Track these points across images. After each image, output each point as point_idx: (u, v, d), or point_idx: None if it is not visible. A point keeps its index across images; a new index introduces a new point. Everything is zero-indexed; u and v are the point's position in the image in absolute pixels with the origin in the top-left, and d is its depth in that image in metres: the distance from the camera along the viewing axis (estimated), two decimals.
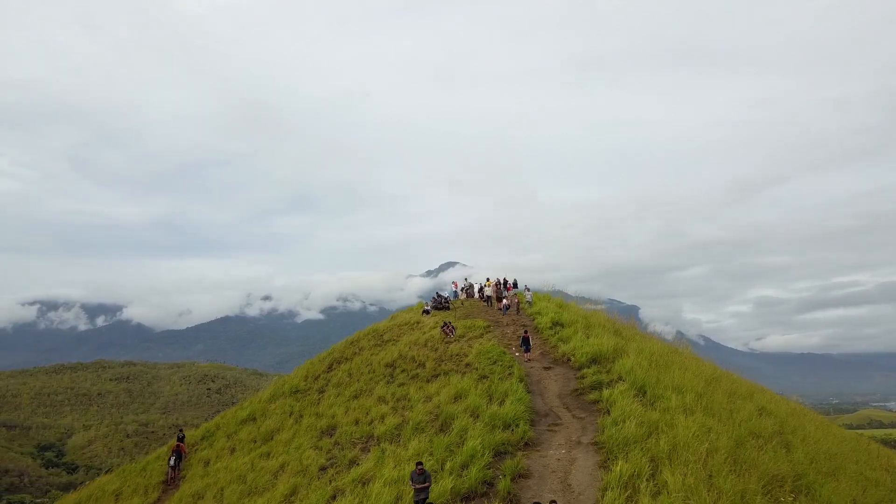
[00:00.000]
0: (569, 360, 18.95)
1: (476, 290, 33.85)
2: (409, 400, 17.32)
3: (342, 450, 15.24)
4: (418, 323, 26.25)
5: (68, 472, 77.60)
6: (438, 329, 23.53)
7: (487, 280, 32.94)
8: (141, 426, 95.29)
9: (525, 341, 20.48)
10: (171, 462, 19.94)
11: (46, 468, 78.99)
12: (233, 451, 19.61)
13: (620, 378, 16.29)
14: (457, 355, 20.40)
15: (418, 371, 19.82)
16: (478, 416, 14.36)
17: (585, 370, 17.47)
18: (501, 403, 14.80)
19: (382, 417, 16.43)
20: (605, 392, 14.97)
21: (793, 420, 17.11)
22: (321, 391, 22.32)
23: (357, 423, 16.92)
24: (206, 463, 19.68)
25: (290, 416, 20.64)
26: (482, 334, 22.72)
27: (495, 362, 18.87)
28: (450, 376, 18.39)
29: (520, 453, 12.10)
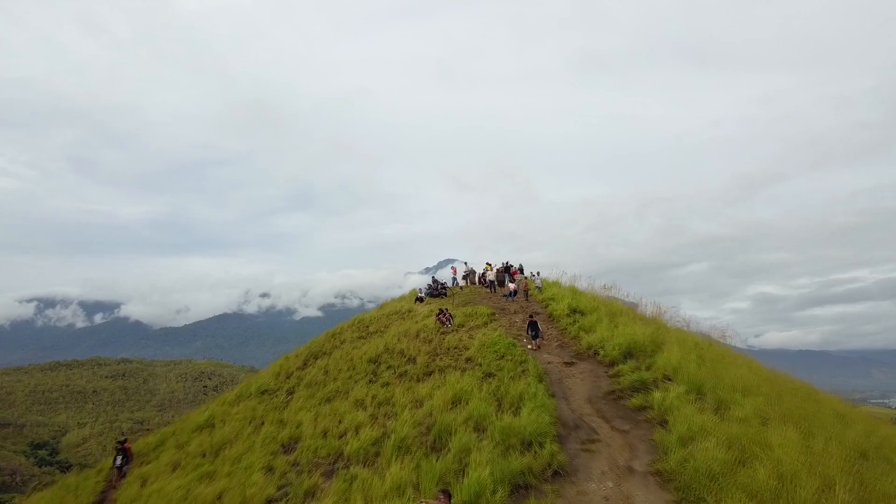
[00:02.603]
0: (596, 353, 15.06)
1: (478, 276, 29.98)
2: (393, 405, 13.43)
3: (300, 473, 11.33)
4: (410, 312, 22.36)
5: (61, 471, 76.29)
6: (433, 318, 19.66)
7: (487, 264, 29.03)
8: (136, 424, 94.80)
9: (533, 326, 16.68)
10: (117, 462, 17.38)
11: (39, 466, 76.78)
12: (175, 468, 15.70)
13: (666, 376, 12.49)
14: (455, 348, 16.52)
15: (407, 367, 15.93)
16: (484, 430, 10.48)
17: (620, 366, 13.60)
18: (516, 412, 10.90)
19: (357, 429, 12.53)
20: (655, 395, 11.10)
21: (867, 425, 13.26)
22: (291, 392, 18.43)
23: (325, 434, 13.03)
24: (144, 482, 15.78)
25: (250, 422, 16.75)
26: (486, 323, 18.82)
27: (503, 356, 14.98)
28: (446, 374, 14.52)
29: (548, 487, 8.20)
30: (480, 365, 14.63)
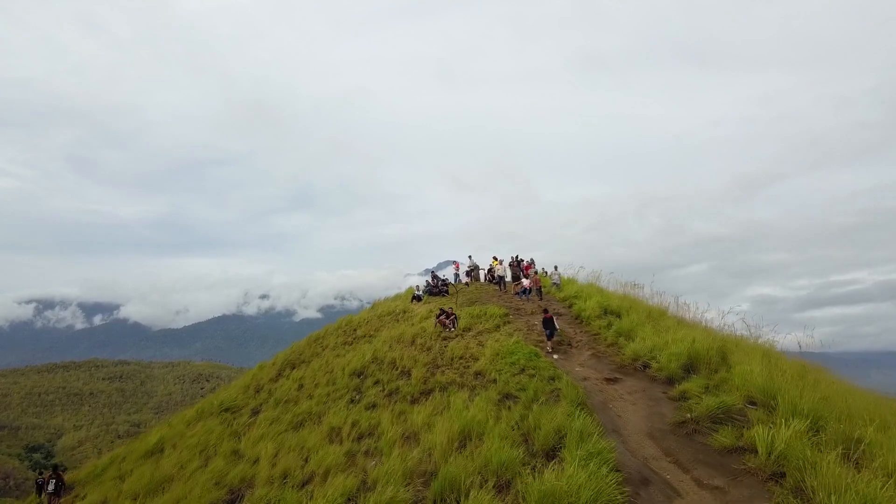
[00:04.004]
0: (645, 366, 11.54)
1: (483, 273, 26.45)
2: (378, 438, 9.90)
3: None
4: (405, 312, 18.84)
5: None
6: (432, 320, 16.14)
7: (494, 259, 25.53)
8: (132, 426, 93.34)
9: (547, 323, 13.37)
10: (50, 489, 15.72)
11: (34, 470, 76.13)
12: None
13: (750, 400, 9.08)
14: (460, 358, 12.99)
15: (399, 383, 12.40)
16: (508, 487, 6.95)
17: (683, 385, 10.09)
18: (553, 455, 7.37)
19: (326, 474, 8.98)
20: (757, 433, 7.58)
21: None
22: (256, 411, 14.91)
23: (285, 478, 9.49)
24: None
25: (201, 452, 13.21)
26: (498, 326, 15.29)
27: (523, 370, 11.47)
28: (449, 393, 11.02)
29: None
30: (495, 382, 11.10)
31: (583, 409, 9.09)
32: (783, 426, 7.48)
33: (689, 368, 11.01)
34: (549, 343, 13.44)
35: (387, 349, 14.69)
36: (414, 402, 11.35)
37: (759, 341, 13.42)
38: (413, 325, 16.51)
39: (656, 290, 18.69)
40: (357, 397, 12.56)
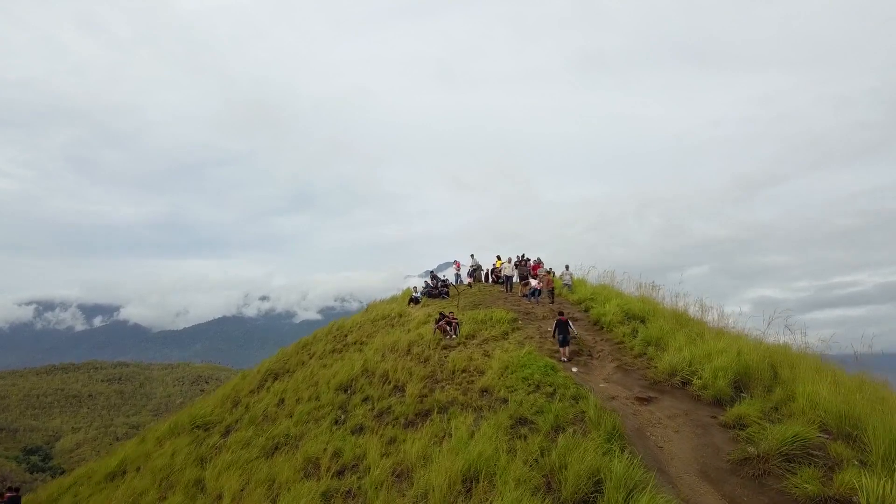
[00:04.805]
0: (684, 383, 9.67)
1: (485, 273, 24.58)
2: (362, 474, 8.04)
3: None
4: (401, 316, 16.98)
5: (53, 477, 72.80)
6: (431, 325, 14.28)
7: (498, 258, 23.68)
8: (131, 429, 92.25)
9: (561, 327, 11.56)
10: None
11: (31, 473, 74.27)
12: None
13: (824, 428, 7.31)
14: (464, 371, 11.13)
15: (392, 401, 10.54)
16: None
17: (737, 408, 8.25)
18: None
19: None
20: (859, 479, 5.74)
21: None
22: (230, 430, 13.06)
23: None
24: None
25: (161, 481, 11.35)
26: (506, 333, 13.42)
27: (538, 387, 9.62)
28: (451, 415, 9.18)
29: None
30: (505, 402, 9.24)
31: (617, 440, 7.22)
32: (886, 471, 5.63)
33: (739, 386, 9.18)
34: (564, 351, 11.60)
35: (379, 359, 12.82)
36: (408, 425, 9.50)
37: (808, 352, 11.55)
38: (409, 330, 14.64)
39: (677, 291, 16.77)
40: (342, 417, 10.70)
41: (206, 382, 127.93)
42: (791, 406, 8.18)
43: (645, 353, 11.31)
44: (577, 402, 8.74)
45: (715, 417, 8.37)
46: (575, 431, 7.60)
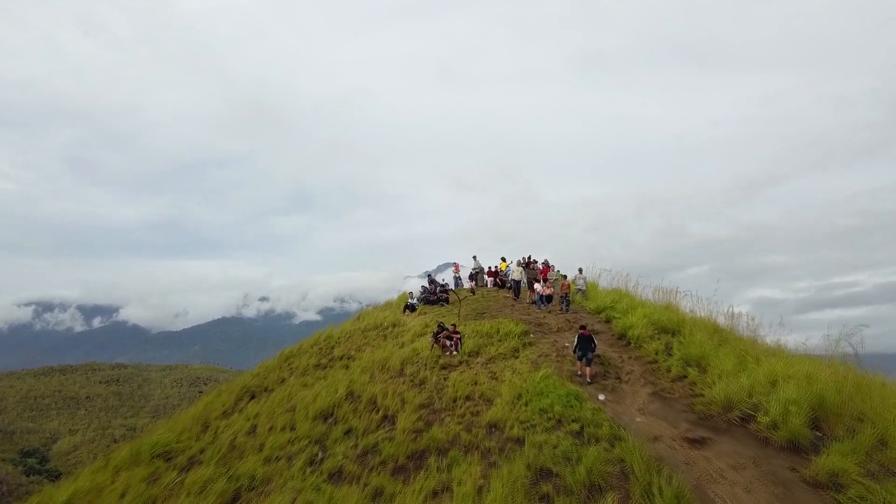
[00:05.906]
0: (745, 419, 7.72)
1: (486, 276, 22.62)
2: None
3: None
4: (395, 326, 15.02)
5: (50, 480, 71.64)
6: (428, 338, 12.33)
7: (503, 260, 21.76)
8: (128, 430, 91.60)
9: (584, 343, 9.61)
10: None
11: (28, 475, 74.36)
12: None
13: None
14: (467, 399, 9.18)
15: (379, 436, 8.60)
16: None
17: (825, 458, 6.31)
18: None
19: None
20: None
21: None
22: (192, 461, 11.11)
23: None
24: None
25: None
26: (516, 350, 11.45)
27: (560, 422, 7.69)
28: (452, 460, 7.24)
29: None
30: (520, 443, 7.30)
31: None
32: None
33: (815, 421, 7.26)
34: (586, 371, 9.70)
35: (366, 380, 10.88)
36: (398, 471, 7.57)
37: (876, 374, 9.59)
38: (403, 345, 12.69)
39: (702, 297, 14.77)
40: (319, 456, 8.76)
41: (205, 384, 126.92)
42: (888, 454, 6.30)
43: (685, 377, 9.38)
44: (614, 447, 6.81)
45: (795, 470, 6.44)
46: (609, 483, 5.66)
